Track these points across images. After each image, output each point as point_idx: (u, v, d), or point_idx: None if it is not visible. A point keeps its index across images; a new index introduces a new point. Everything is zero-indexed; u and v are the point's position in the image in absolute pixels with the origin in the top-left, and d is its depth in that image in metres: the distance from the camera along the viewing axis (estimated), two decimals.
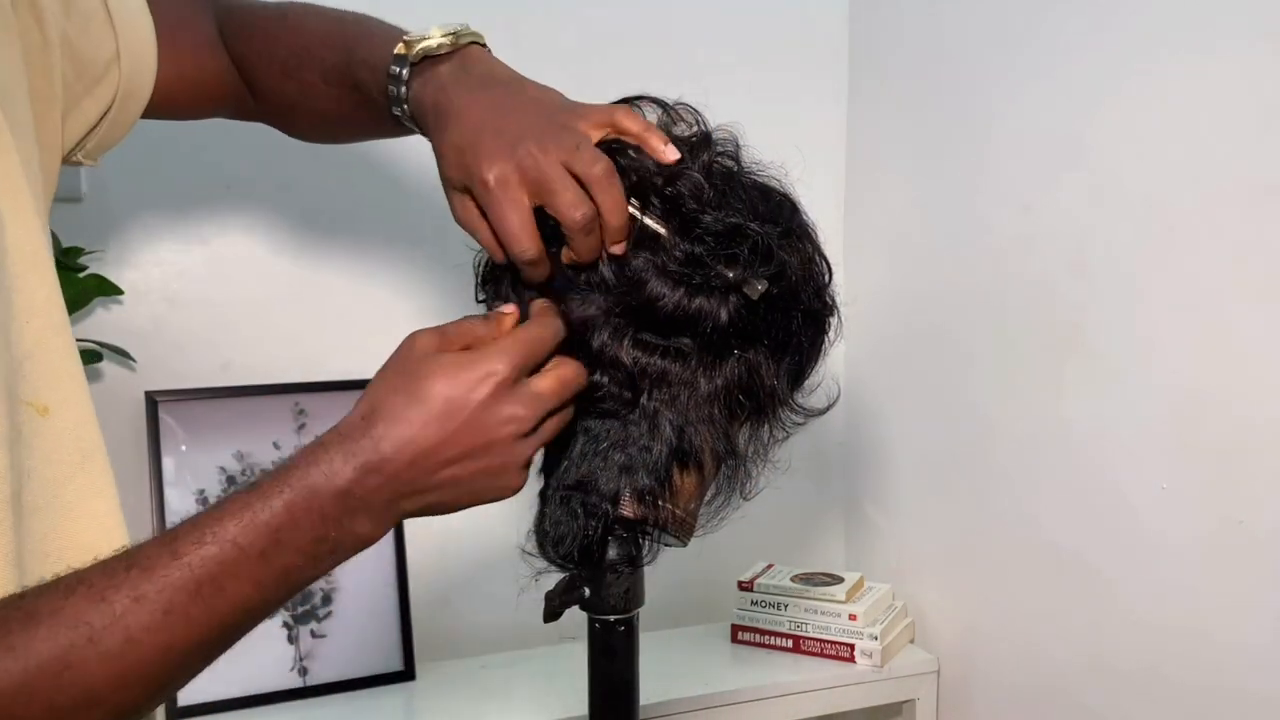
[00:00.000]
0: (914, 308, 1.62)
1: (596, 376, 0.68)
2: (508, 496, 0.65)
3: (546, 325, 0.66)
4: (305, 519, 0.58)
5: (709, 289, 0.67)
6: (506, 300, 0.73)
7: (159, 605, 0.55)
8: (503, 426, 0.62)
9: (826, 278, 0.73)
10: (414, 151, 1.55)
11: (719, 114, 0.75)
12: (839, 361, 1.75)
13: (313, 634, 1.47)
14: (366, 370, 1.69)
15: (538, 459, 0.75)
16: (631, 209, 0.67)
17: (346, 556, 0.62)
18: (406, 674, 1.50)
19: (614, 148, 0.70)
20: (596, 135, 0.68)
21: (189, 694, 1.38)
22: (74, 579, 0.55)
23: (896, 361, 1.67)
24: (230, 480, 1.46)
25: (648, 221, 0.67)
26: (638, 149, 0.68)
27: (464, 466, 0.62)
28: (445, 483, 0.62)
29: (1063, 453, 1.32)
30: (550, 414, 0.64)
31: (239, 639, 0.60)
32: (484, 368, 0.62)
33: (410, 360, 0.64)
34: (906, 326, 1.64)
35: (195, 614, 0.56)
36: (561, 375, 0.65)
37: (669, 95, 0.75)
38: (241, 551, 0.57)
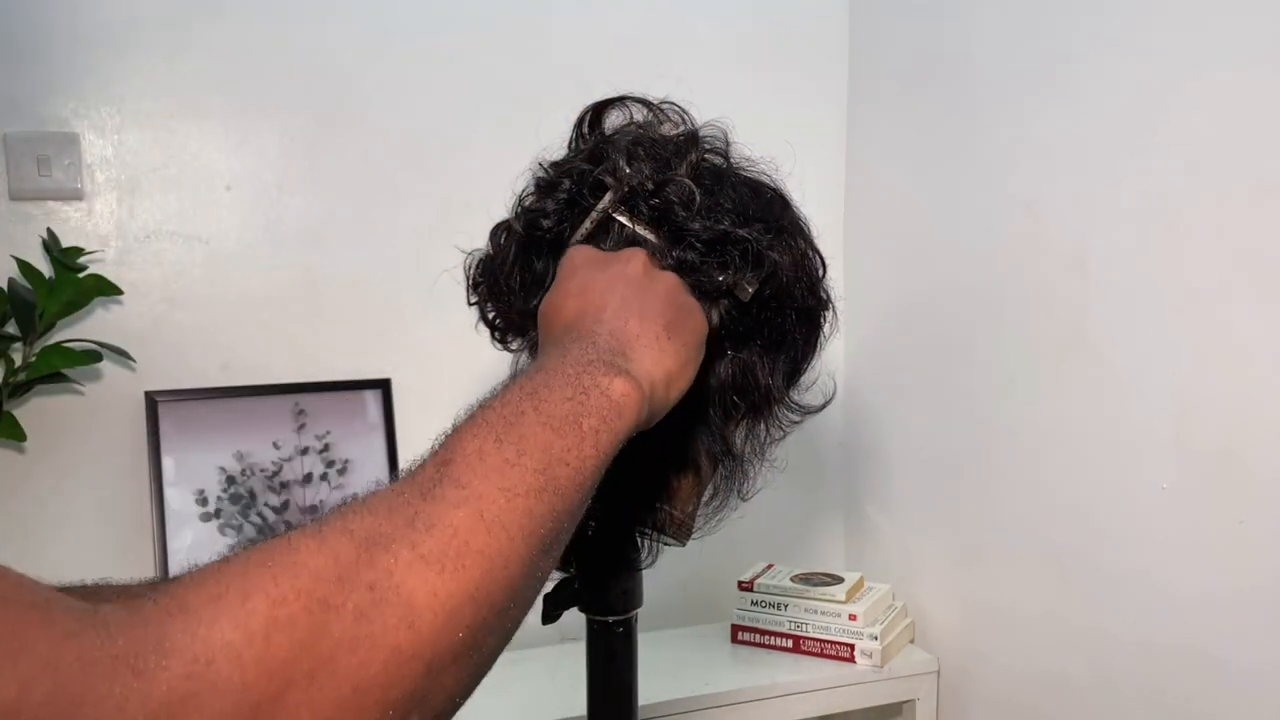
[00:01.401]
0: (914, 308, 1.62)
1: None
2: (703, 325, 0.64)
3: None
4: (552, 379, 0.53)
5: (700, 293, 0.66)
6: (501, 304, 0.74)
7: (469, 455, 0.48)
8: (639, 264, 0.64)
9: (820, 273, 0.73)
10: (414, 152, 1.56)
11: (719, 113, 0.74)
12: (838, 361, 1.75)
13: None
14: (366, 370, 1.71)
15: None
16: (620, 217, 0.67)
17: (623, 413, 0.54)
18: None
19: (600, 151, 0.69)
20: None
21: None
22: (379, 491, 0.48)
23: (896, 361, 1.67)
24: (230, 480, 1.46)
25: (638, 230, 0.67)
26: (630, 157, 0.68)
27: (644, 302, 0.61)
28: (656, 330, 0.60)
29: (1063, 452, 1.32)
30: None
31: (565, 533, 0.52)
32: (580, 253, 0.65)
33: (594, 256, 0.66)
34: (906, 326, 1.64)
35: (509, 467, 0.48)
36: None
37: (668, 96, 0.75)
38: (512, 407, 0.51)
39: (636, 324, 0.60)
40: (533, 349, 0.75)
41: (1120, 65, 1.21)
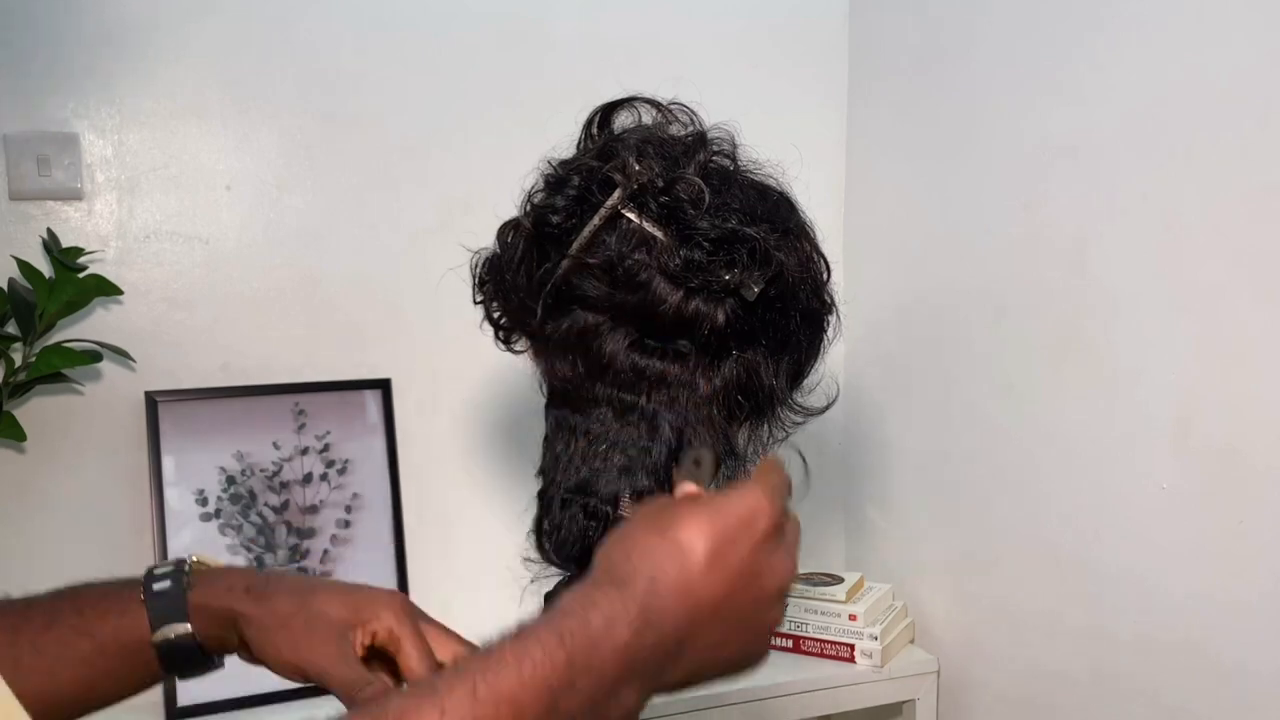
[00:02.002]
0: (914, 308, 1.62)
1: (597, 384, 0.69)
2: (756, 666, 0.58)
3: (783, 470, 0.60)
4: (584, 680, 0.48)
5: (706, 292, 0.67)
6: (507, 303, 0.74)
7: None
8: (773, 577, 0.55)
9: (825, 276, 0.73)
10: (414, 152, 1.56)
11: (719, 114, 0.75)
12: (839, 362, 1.75)
13: None
14: (366, 370, 1.71)
15: (537, 460, 0.75)
16: (629, 213, 0.67)
17: None
18: None
19: (610, 149, 0.69)
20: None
21: (189, 694, 1.38)
22: None
23: (896, 361, 1.67)
24: (230, 480, 1.46)
25: (645, 226, 0.67)
26: (639, 154, 0.68)
27: (732, 628, 0.54)
28: (713, 647, 0.53)
29: (1063, 452, 1.32)
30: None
31: None
32: (750, 502, 0.54)
33: (658, 509, 0.55)
34: (906, 326, 1.64)
35: None
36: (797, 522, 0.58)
37: (668, 95, 0.75)
38: (520, 712, 0.46)
39: (710, 645, 0.54)
40: (536, 352, 0.75)
41: (1121, 65, 1.21)
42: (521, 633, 0.49)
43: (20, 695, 0.62)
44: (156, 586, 0.70)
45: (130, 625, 0.69)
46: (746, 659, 0.57)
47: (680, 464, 0.64)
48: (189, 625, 0.69)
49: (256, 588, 0.70)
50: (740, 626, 0.54)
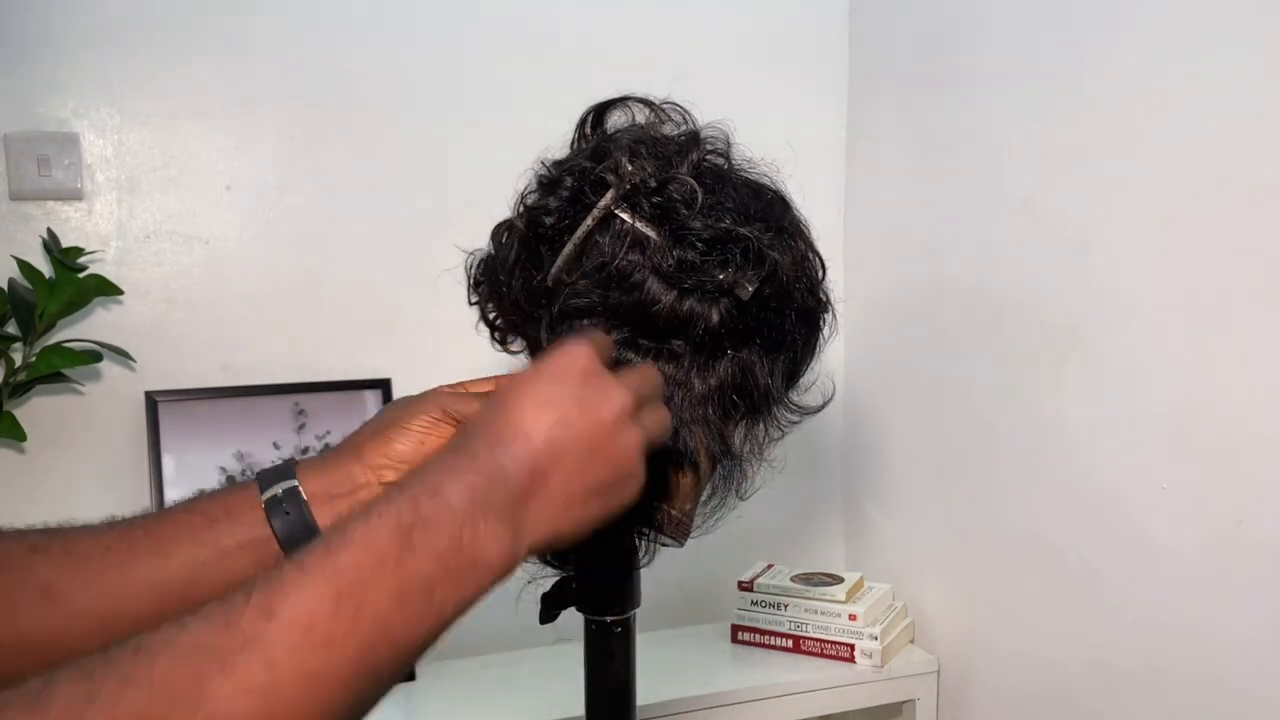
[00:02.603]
0: (914, 307, 1.62)
1: None
2: (629, 494, 0.60)
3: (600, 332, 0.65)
4: (435, 516, 0.51)
5: (700, 292, 0.67)
6: (502, 304, 0.74)
7: (296, 622, 0.46)
8: (607, 403, 0.58)
9: (820, 274, 0.73)
10: (414, 151, 1.56)
11: (719, 114, 0.74)
12: (838, 362, 1.75)
13: None
14: (366, 370, 1.71)
15: None
16: (622, 213, 0.67)
17: (483, 581, 0.53)
18: (406, 674, 1.50)
19: (603, 149, 0.69)
20: None
21: None
22: (180, 618, 0.46)
23: (896, 361, 1.67)
24: (230, 480, 1.46)
25: (639, 226, 0.67)
26: (632, 154, 0.68)
27: (583, 461, 0.56)
28: (570, 483, 0.56)
29: (1062, 452, 1.32)
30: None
31: (387, 685, 0.52)
32: (560, 350, 0.59)
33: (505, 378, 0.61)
34: (906, 326, 1.64)
35: (337, 633, 0.47)
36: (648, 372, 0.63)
37: (670, 95, 0.75)
38: (374, 555, 0.49)
39: (561, 478, 0.56)
40: (532, 352, 0.75)
41: (1121, 64, 1.21)
42: (374, 500, 0.53)
43: (130, 585, 0.65)
44: (268, 466, 0.70)
45: (241, 497, 0.68)
46: (615, 487, 0.58)
47: None
48: (295, 481, 0.67)
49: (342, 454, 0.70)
50: (592, 455, 0.57)
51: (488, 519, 0.53)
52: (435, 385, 0.74)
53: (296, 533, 0.66)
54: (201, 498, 0.70)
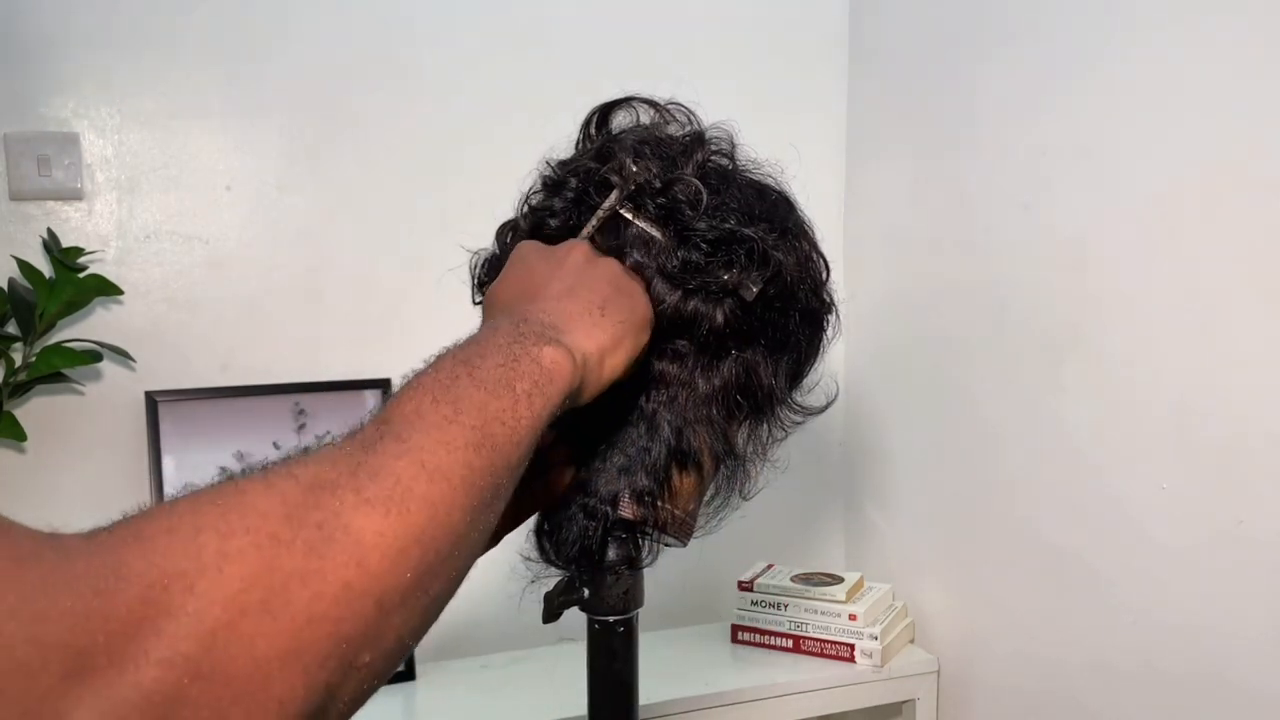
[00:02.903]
0: (914, 307, 1.62)
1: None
2: (643, 309, 0.65)
3: None
4: (488, 345, 0.55)
5: (705, 293, 0.67)
6: None
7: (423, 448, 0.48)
8: (583, 249, 0.66)
9: (824, 275, 0.73)
10: (414, 151, 1.56)
11: (719, 113, 0.75)
12: (838, 362, 1.75)
13: None
14: (366, 370, 1.70)
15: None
16: (626, 214, 0.67)
17: (556, 382, 0.56)
18: (406, 674, 1.50)
19: (607, 149, 0.69)
20: None
21: None
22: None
23: (896, 361, 1.67)
24: None
25: (643, 227, 0.67)
26: (636, 155, 0.68)
27: (578, 283, 0.63)
28: (580, 299, 0.62)
29: (1062, 453, 1.32)
30: None
31: (497, 506, 0.53)
32: (527, 245, 0.68)
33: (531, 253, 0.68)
34: (906, 326, 1.64)
35: (448, 463, 0.48)
36: None
37: (668, 94, 0.75)
38: (451, 386, 0.52)
39: (571, 303, 0.62)
40: None
41: (1121, 64, 1.21)
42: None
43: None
44: None
45: None
46: (621, 300, 0.64)
47: None
48: None
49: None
50: (580, 279, 0.64)
51: (530, 339, 0.57)
52: None
53: None
54: None
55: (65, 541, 0.39)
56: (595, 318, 0.61)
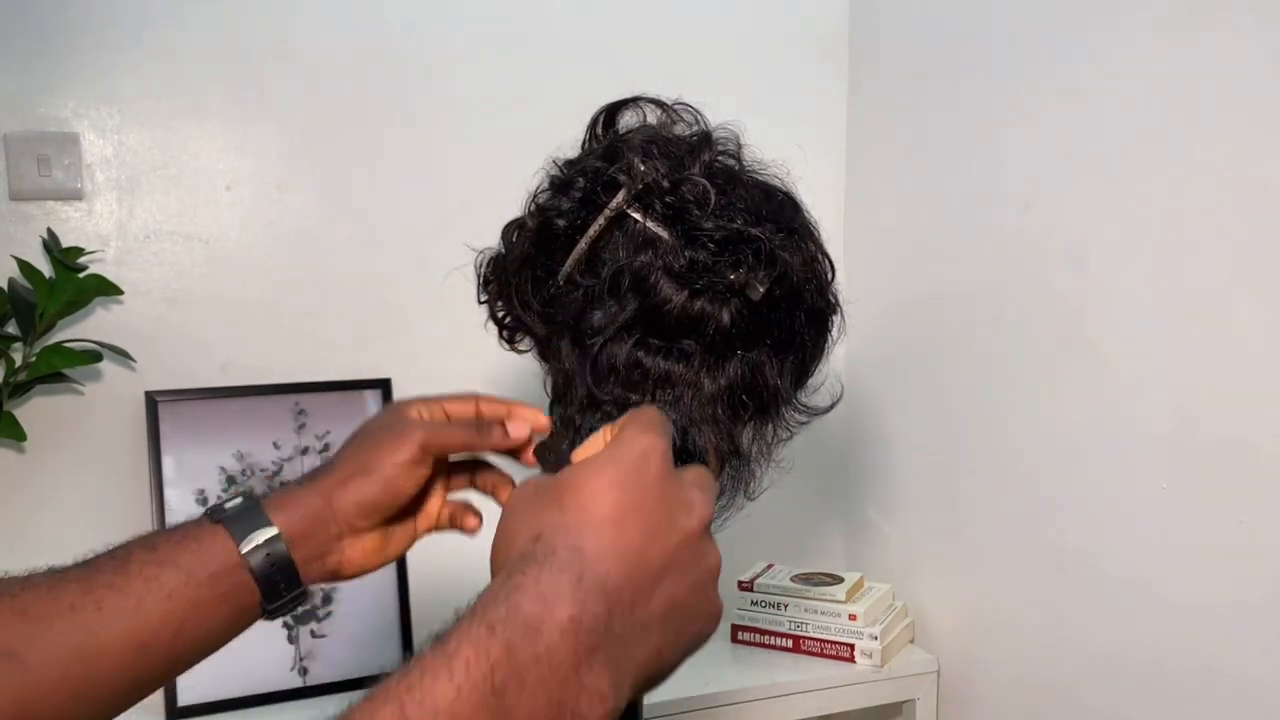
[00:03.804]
0: (914, 307, 1.62)
1: (602, 384, 0.69)
2: (715, 626, 0.53)
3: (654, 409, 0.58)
4: (533, 671, 0.42)
5: (712, 293, 0.67)
6: (511, 303, 0.74)
7: None
8: (691, 513, 0.50)
9: (829, 276, 0.73)
10: (415, 151, 1.56)
11: (719, 113, 0.75)
12: (839, 361, 1.75)
13: (313, 634, 1.47)
14: (366, 370, 1.70)
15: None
16: (634, 214, 0.67)
17: None
18: None
19: (615, 149, 0.70)
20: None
21: (189, 693, 1.38)
22: None
23: (897, 361, 1.67)
24: (230, 480, 1.46)
25: (650, 226, 0.67)
26: (644, 155, 0.68)
27: (675, 580, 0.48)
28: (665, 607, 0.48)
29: (1063, 452, 1.32)
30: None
31: None
32: (635, 443, 0.50)
33: (536, 488, 0.52)
34: (906, 326, 1.64)
35: None
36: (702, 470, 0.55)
37: (669, 94, 0.75)
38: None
39: (661, 603, 0.48)
40: (541, 352, 0.75)
41: (1121, 64, 1.21)
42: (444, 636, 0.43)
43: (107, 642, 0.60)
44: (228, 506, 0.67)
45: (214, 548, 0.64)
46: (706, 616, 0.51)
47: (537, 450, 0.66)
48: (275, 528, 0.65)
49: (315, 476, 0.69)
50: (681, 575, 0.49)
51: (592, 665, 0.44)
52: (411, 397, 0.74)
53: (275, 577, 0.66)
54: (161, 539, 0.66)
55: None
56: (668, 638, 0.49)
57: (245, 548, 0.65)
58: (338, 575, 0.71)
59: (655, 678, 0.50)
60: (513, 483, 0.74)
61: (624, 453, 0.50)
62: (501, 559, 0.49)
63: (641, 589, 0.47)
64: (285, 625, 1.45)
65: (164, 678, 0.65)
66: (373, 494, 0.69)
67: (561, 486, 0.49)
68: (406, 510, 0.73)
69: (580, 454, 0.55)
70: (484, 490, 0.77)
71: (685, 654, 0.51)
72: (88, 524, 1.44)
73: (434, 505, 0.75)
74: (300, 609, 0.71)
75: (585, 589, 0.45)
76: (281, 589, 0.66)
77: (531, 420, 0.74)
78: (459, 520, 0.77)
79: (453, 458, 0.75)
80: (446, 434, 0.71)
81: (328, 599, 1.48)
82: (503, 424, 0.74)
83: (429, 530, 0.76)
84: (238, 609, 0.65)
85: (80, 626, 0.60)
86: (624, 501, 0.48)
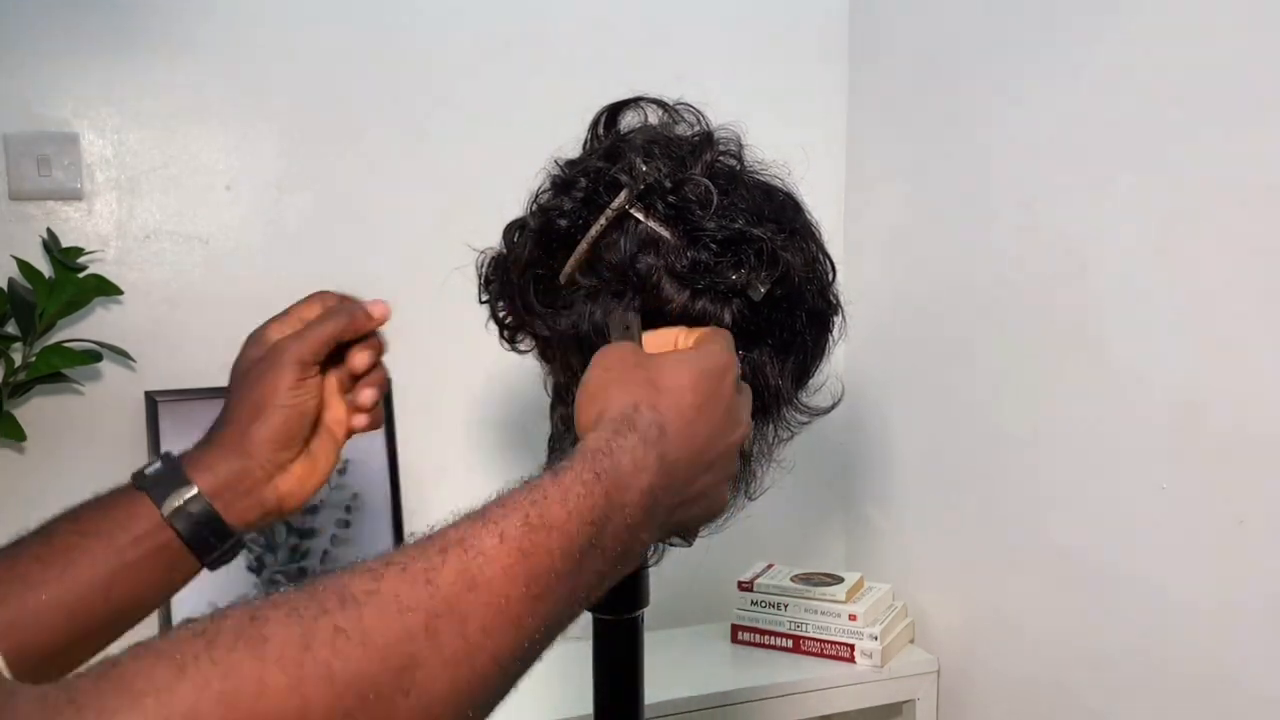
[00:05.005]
0: (914, 308, 1.62)
1: None
2: (720, 517, 0.65)
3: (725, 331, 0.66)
4: (617, 517, 0.52)
5: (713, 293, 0.67)
6: (513, 303, 0.74)
7: (494, 600, 0.46)
8: (739, 427, 0.62)
9: (830, 277, 0.73)
10: (415, 151, 1.56)
11: (719, 113, 0.75)
12: (839, 361, 1.75)
13: None
14: None
15: (541, 460, 0.75)
16: (636, 213, 0.67)
17: (625, 571, 0.55)
18: None
19: (617, 149, 0.70)
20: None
21: None
22: (369, 563, 0.45)
23: (897, 361, 1.67)
24: None
25: (653, 226, 0.67)
26: (646, 155, 0.68)
27: (712, 476, 0.60)
28: (697, 493, 0.60)
29: (1063, 452, 1.32)
30: None
31: (528, 669, 0.52)
32: (721, 356, 0.61)
33: (635, 358, 0.61)
34: (906, 326, 1.64)
35: (524, 616, 0.47)
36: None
37: (669, 95, 0.75)
38: (566, 543, 0.49)
39: (700, 497, 0.60)
40: (542, 352, 0.75)
41: (1121, 64, 1.21)
42: (560, 470, 0.52)
43: (36, 611, 0.62)
44: (149, 471, 0.68)
45: (136, 512, 0.66)
46: (719, 505, 0.63)
47: (611, 328, 0.66)
48: (195, 487, 0.66)
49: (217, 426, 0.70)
50: (716, 474, 0.60)
51: (647, 525, 0.55)
52: (263, 322, 0.74)
53: (203, 533, 0.67)
54: (84, 512, 0.68)
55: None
56: (699, 506, 0.61)
57: (167, 510, 0.66)
58: (282, 511, 0.71)
59: (665, 542, 0.63)
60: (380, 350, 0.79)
61: (711, 362, 0.61)
62: (598, 409, 0.57)
63: (691, 477, 0.58)
64: None
65: (107, 636, 0.66)
66: (279, 426, 0.69)
67: (658, 367, 0.60)
68: (316, 426, 0.73)
69: (655, 340, 0.64)
70: (359, 368, 0.78)
71: (694, 531, 0.64)
72: None
73: (339, 410, 0.75)
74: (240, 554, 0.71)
75: (662, 466, 0.55)
76: (212, 542, 0.67)
77: (372, 305, 0.77)
78: (367, 418, 0.77)
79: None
80: (314, 336, 0.72)
81: None
82: (361, 304, 0.76)
83: (348, 435, 0.76)
84: (168, 566, 0.67)
85: (11, 596, 0.63)
86: (703, 403, 0.59)
